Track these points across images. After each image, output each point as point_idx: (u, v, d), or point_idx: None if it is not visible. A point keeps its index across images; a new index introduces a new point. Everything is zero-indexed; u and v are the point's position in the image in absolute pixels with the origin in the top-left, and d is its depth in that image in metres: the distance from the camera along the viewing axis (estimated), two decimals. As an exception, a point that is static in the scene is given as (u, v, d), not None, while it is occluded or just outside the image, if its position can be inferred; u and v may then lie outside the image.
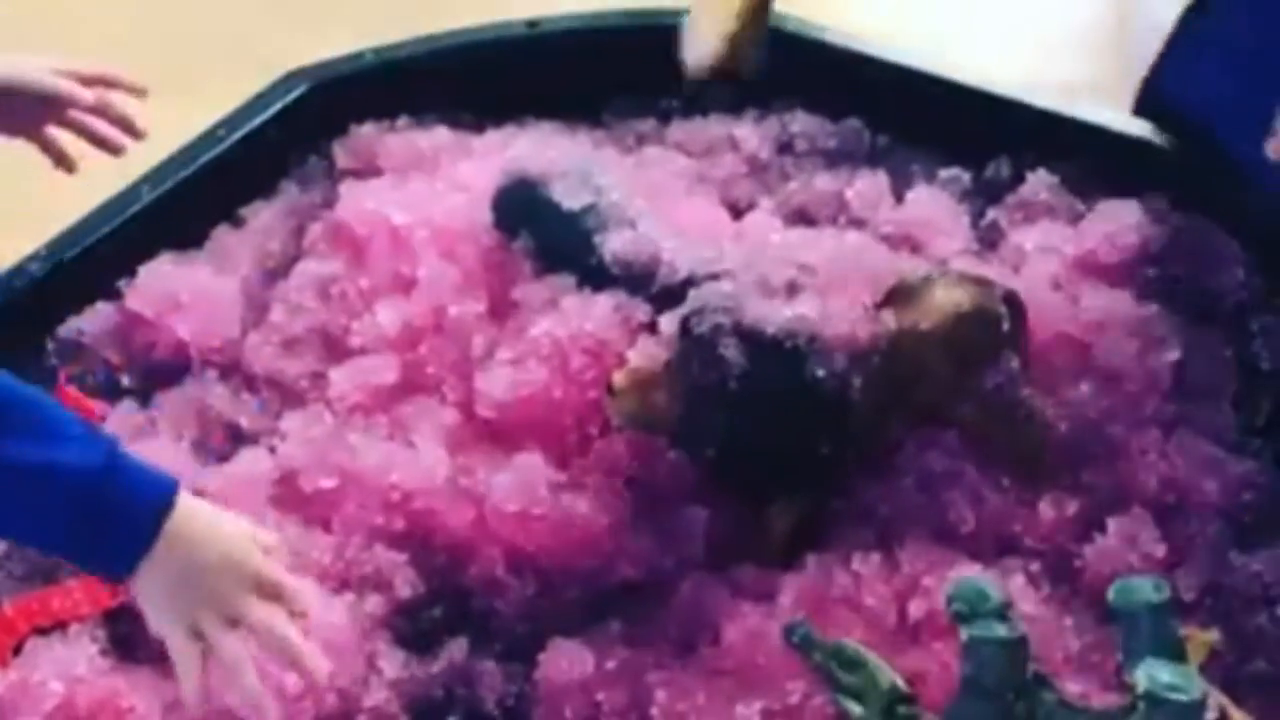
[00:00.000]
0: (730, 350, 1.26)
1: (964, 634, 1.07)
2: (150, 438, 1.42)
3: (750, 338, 1.25)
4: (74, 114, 1.49)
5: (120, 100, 1.51)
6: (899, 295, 1.34)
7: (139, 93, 1.52)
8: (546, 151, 1.57)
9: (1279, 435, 1.46)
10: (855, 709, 1.12)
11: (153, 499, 1.10)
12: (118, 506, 1.08)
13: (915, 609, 1.26)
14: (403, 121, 1.76)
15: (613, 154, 1.70)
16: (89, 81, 1.49)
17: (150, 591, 1.11)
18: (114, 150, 1.51)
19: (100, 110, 1.49)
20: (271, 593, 1.12)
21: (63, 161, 1.52)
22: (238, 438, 1.43)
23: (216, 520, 1.13)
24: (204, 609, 1.10)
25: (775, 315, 1.28)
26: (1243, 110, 1.47)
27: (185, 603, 1.10)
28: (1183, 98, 1.69)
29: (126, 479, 1.09)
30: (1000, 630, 1.06)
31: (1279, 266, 1.58)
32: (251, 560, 1.12)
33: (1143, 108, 1.74)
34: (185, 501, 1.11)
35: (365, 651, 1.25)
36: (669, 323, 1.30)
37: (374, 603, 1.28)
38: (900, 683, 1.14)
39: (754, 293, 1.30)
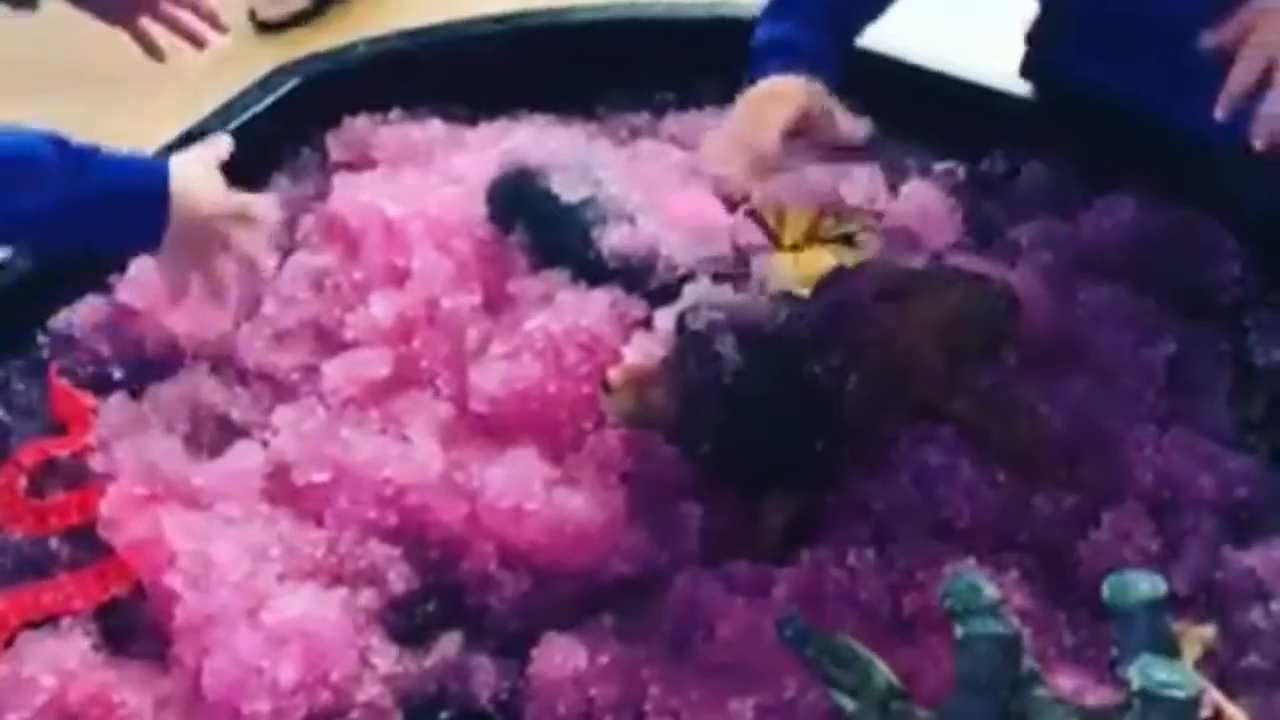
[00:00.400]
0: (726, 347, 1.25)
1: (958, 631, 1.06)
2: (142, 431, 1.41)
3: (746, 334, 1.25)
4: (166, 7, 1.63)
5: None
6: (894, 290, 1.33)
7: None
8: (544, 143, 1.57)
9: (1274, 431, 1.46)
10: (849, 705, 1.12)
11: (157, 186, 1.35)
12: (134, 210, 1.34)
13: (910, 604, 1.26)
14: (395, 114, 1.76)
15: (606, 147, 1.70)
16: None
17: (165, 252, 1.39)
18: (199, 44, 1.67)
19: (189, 5, 1.65)
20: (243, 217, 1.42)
21: (154, 52, 1.66)
22: (230, 431, 1.43)
23: (194, 179, 1.39)
24: (205, 251, 1.41)
25: (770, 312, 1.27)
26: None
27: (193, 250, 1.40)
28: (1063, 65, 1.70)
29: (132, 180, 1.35)
30: (994, 627, 1.05)
31: (1275, 262, 1.58)
32: (229, 202, 1.42)
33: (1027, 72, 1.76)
34: (175, 172, 1.37)
35: (358, 647, 1.24)
36: (664, 319, 1.29)
37: (367, 597, 1.27)
38: (894, 679, 1.13)
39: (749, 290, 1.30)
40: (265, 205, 1.47)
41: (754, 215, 1.43)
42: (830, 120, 1.57)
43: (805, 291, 1.31)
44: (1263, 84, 1.35)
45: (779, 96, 1.56)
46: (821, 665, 1.14)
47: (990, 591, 1.07)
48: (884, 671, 1.13)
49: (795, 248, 1.40)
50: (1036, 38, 1.78)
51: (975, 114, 1.74)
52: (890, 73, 1.77)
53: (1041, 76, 1.77)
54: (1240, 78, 1.35)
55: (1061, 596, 1.29)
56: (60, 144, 1.29)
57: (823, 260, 1.34)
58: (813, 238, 1.40)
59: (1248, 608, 1.29)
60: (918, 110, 1.74)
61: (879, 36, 1.76)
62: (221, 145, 1.47)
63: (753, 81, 1.60)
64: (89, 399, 1.45)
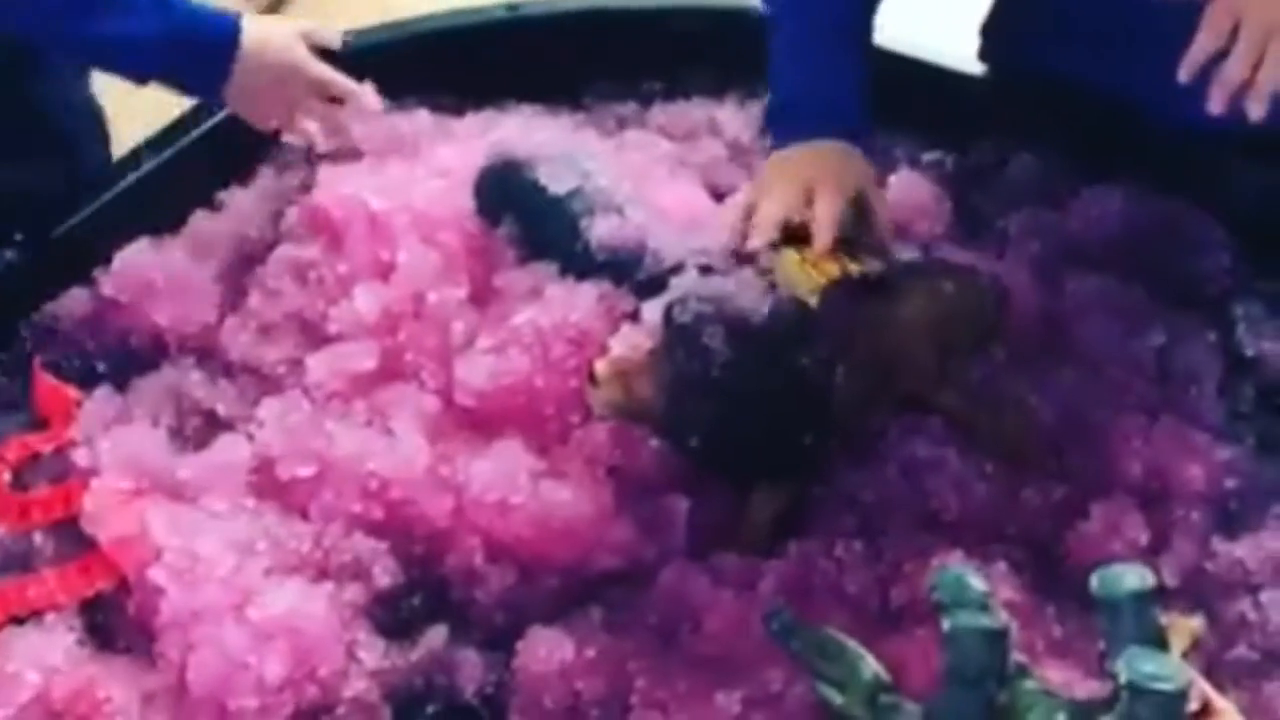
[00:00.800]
0: (714, 340, 1.24)
1: (945, 624, 1.06)
2: (126, 424, 1.40)
3: (734, 326, 1.24)
4: (316, 106, 1.62)
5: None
6: (883, 282, 1.33)
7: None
8: (531, 135, 1.56)
9: (1263, 421, 1.46)
10: (836, 698, 1.12)
11: (227, 38, 1.49)
12: (203, 54, 1.49)
13: (897, 596, 1.26)
14: (382, 105, 1.75)
15: (594, 137, 1.69)
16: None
17: (240, 101, 1.54)
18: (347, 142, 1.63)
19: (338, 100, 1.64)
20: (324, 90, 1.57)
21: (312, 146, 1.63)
22: (214, 424, 1.42)
23: (275, 39, 1.53)
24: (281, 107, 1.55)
25: (759, 304, 1.26)
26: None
27: (266, 105, 1.55)
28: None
29: (207, 26, 1.49)
30: (982, 620, 1.05)
31: (1263, 251, 1.58)
32: (310, 69, 1.57)
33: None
34: (249, 28, 1.50)
35: (345, 642, 1.24)
36: (652, 311, 1.28)
37: (353, 592, 1.27)
38: (881, 672, 1.13)
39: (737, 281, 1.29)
40: (347, 85, 1.59)
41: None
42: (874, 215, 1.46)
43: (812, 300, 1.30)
44: (1227, 48, 1.26)
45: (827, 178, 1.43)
46: (808, 658, 1.14)
47: (978, 585, 1.07)
48: (872, 664, 1.13)
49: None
50: (995, 27, 1.76)
51: (962, 104, 1.73)
52: (877, 63, 1.76)
53: (1000, 66, 1.75)
54: (1204, 41, 1.26)
55: (1050, 589, 1.29)
56: None
57: (830, 271, 1.32)
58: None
59: (1236, 599, 1.29)
60: (905, 100, 1.73)
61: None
62: (325, 32, 1.61)
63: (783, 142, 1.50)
64: (73, 392, 1.44)
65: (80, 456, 1.37)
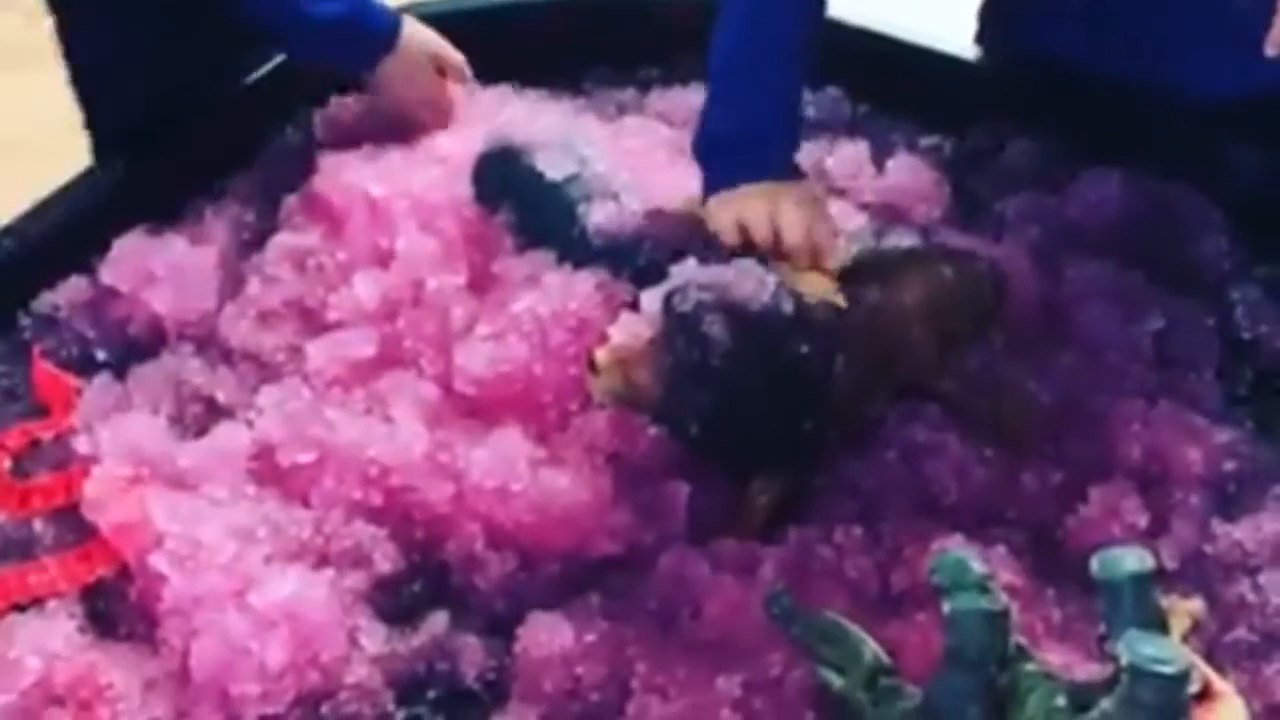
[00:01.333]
0: (713, 328, 1.24)
1: (946, 607, 1.06)
2: (126, 411, 1.40)
3: (733, 315, 1.24)
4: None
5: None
6: (881, 269, 1.33)
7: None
8: (530, 121, 1.56)
9: (1261, 404, 1.46)
10: (836, 681, 1.12)
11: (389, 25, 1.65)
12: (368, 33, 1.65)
13: (898, 580, 1.26)
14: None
15: (593, 123, 1.69)
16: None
17: (389, 80, 1.67)
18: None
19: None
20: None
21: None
22: (214, 411, 1.42)
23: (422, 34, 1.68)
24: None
25: (758, 292, 1.26)
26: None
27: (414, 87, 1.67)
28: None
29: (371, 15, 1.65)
30: (982, 603, 1.05)
31: (1261, 236, 1.58)
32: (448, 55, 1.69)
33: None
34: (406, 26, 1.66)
35: (347, 628, 1.24)
36: (651, 300, 1.28)
37: (354, 578, 1.27)
38: (882, 654, 1.13)
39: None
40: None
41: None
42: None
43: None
44: None
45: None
46: (809, 642, 1.14)
47: (978, 567, 1.07)
48: (872, 647, 1.13)
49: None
50: (992, 11, 1.76)
51: (960, 88, 1.73)
52: (875, 48, 1.76)
53: (997, 50, 1.75)
54: None
55: (1050, 572, 1.29)
56: None
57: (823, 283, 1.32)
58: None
59: (1235, 581, 1.29)
60: (903, 85, 1.74)
61: (864, 12, 1.76)
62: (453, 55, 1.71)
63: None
64: (72, 380, 1.44)
65: (80, 444, 1.37)
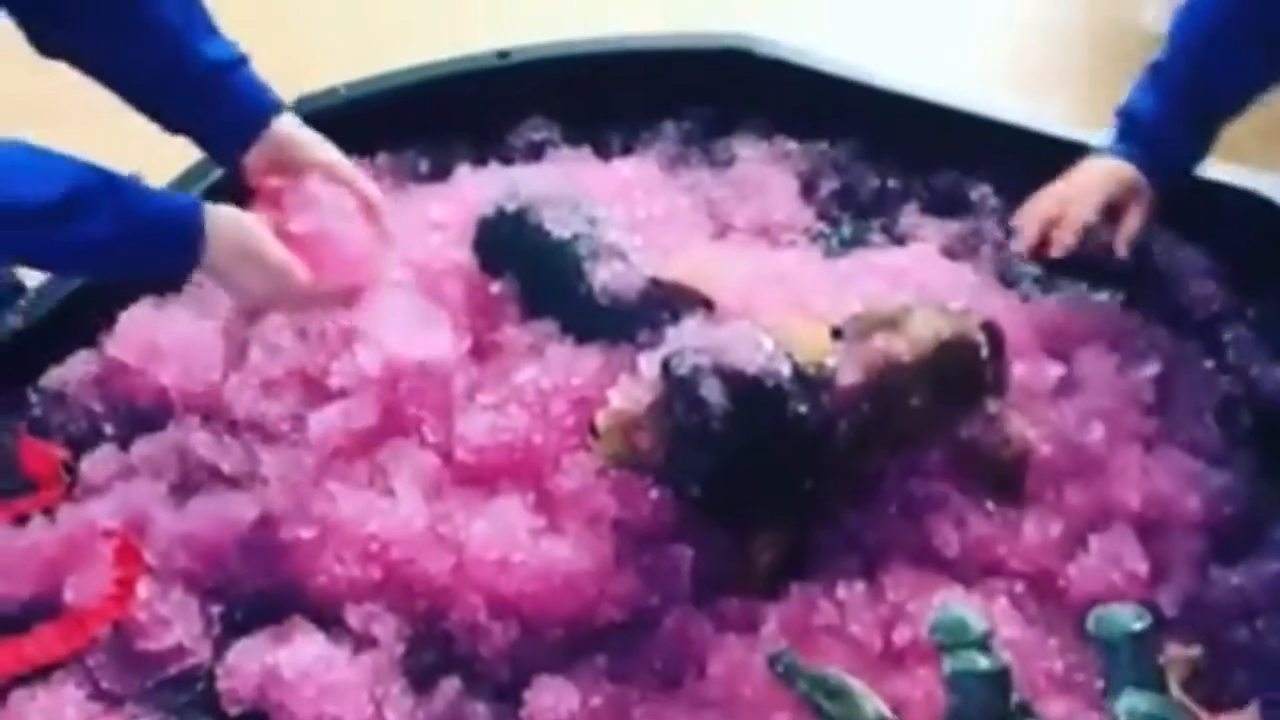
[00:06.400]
0: (711, 391, 1.25)
1: (946, 666, 1.07)
2: (127, 479, 1.42)
3: (730, 378, 1.25)
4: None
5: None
6: (878, 326, 1.34)
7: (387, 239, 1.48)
8: (534, 179, 1.56)
9: (1259, 446, 1.47)
10: None
11: (192, 222, 1.33)
12: (163, 244, 1.33)
13: (899, 636, 1.27)
14: (382, 158, 1.76)
15: (598, 180, 1.70)
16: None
17: (214, 276, 1.36)
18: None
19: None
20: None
21: None
22: (219, 481, 1.43)
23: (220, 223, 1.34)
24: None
25: (754, 355, 1.27)
26: None
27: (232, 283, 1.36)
28: None
29: (159, 219, 1.32)
30: (982, 662, 1.06)
31: (1246, 277, 1.59)
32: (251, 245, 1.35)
33: None
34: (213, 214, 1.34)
35: (364, 702, 1.25)
36: (649, 363, 1.30)
37: (365, 653, 1.28)
38: (885, 710, 1.14)
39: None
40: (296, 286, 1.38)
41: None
42: (1130, 223, 1.53)
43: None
44: None
45: (1102, 182, 1.52)
46: (813, 698, 1.15)
47: (978, 624, 1.08)
48: (875, 703, 1.14)
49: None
50: None
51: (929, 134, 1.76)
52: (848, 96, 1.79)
53: None
54: None
55: (1052, 621, 1.30)
56: (106, 176, 1.30)
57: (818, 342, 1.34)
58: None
59: (1234, 626, 1.29)
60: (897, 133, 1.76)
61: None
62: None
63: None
64: (59, 452, 1.45)
65: (82, 512, 1.39)
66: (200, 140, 1.47)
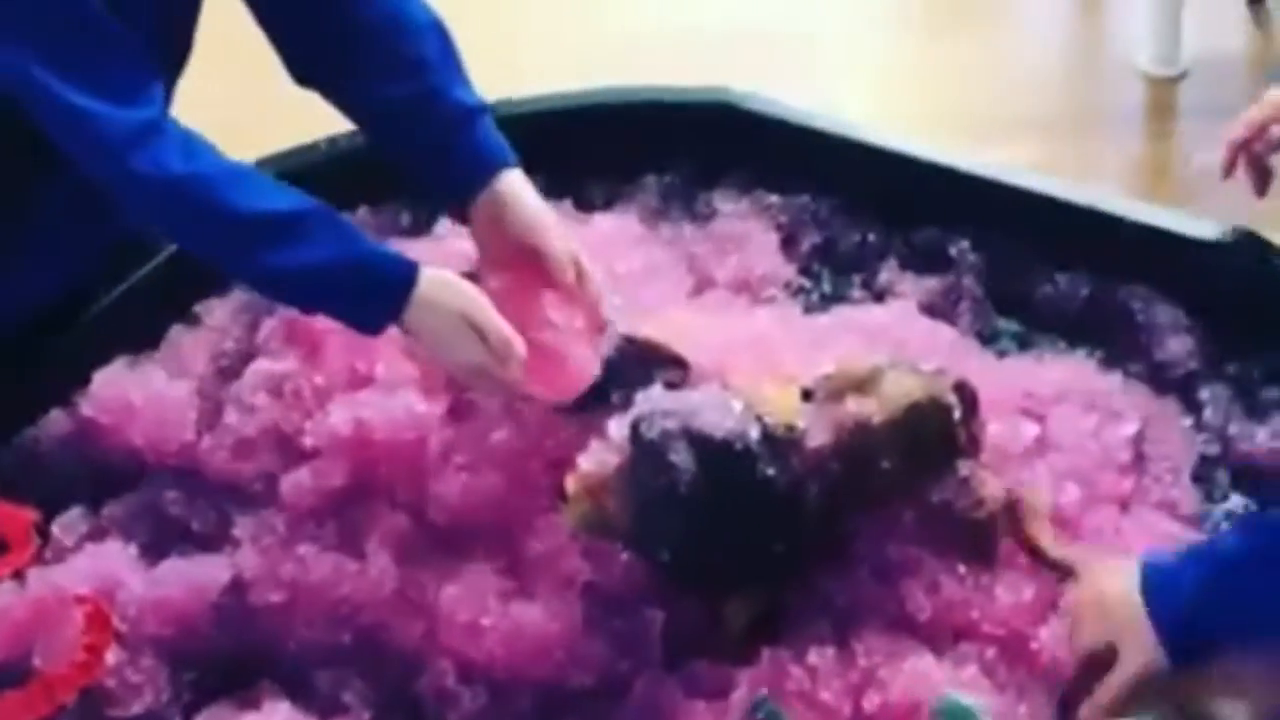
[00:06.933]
0: (679, 455, 1.25)
1: None
2: (98, 541, 1.42)
3: (699, 441, 1.25)
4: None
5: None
6: (849, 387, 1.33)
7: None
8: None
9: (1237, 505, 1.46)
10: None
11: (403, 278, 1.35)
12: (369, 287, 1.35)
13: (869, 703, 1.26)
14: (363, 211, 1.77)
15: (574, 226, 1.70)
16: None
17: (427, 338, 1.37)
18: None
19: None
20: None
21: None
22: (191, 541, 1.43)
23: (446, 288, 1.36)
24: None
25: (723, 419, 1.27)
26: None
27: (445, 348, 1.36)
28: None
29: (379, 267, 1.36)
30: None
31: (1224, 333, 1.59)
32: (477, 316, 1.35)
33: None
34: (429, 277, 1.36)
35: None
36: (618, 427, 1.29)
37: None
38: None
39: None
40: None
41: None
42: None
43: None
44: None
45: None
46: None
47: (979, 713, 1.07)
48: None
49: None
50: None
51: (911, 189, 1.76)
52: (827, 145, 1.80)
53: None
54: None
55: (1022, 688, 1.29)
56: (332, 209, 1.36)
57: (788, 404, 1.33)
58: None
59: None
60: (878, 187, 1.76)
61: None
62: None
63: None
64: (30, 513, 1.44)
65: (50, 575, 1.38)
66: (430, 181, 1.51)
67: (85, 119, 1.31)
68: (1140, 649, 1.18)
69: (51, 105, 1.32)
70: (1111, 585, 1.22)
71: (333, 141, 1.79)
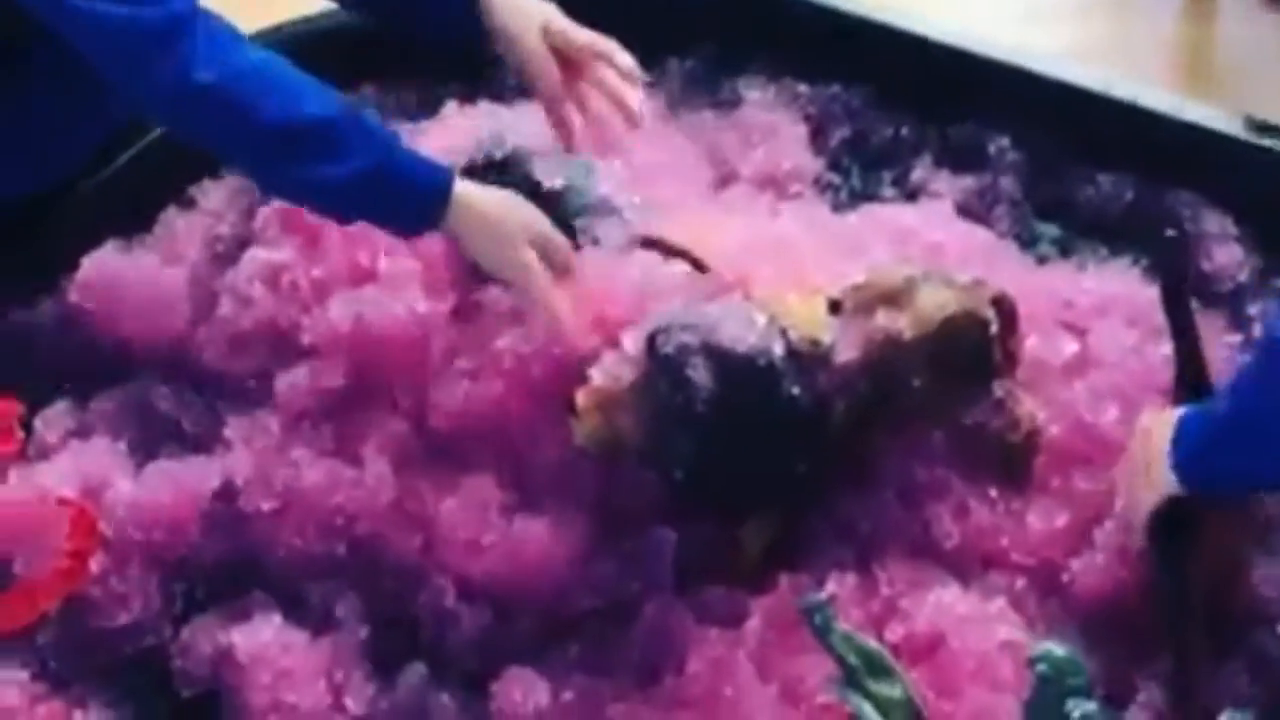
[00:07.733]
0: (698, 371, 1.18)
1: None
2: (84, 438, 1.36)
3: (720, 357, 1.17)
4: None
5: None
6: (879, 300, 1.26)
7: (630, 79, 1.44)
8: (524, 121, 1.48)
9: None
10: (873, 716, 1.07)
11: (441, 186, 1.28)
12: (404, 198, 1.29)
13: (891, 634, 1.20)
14: (368, 88, 1.68)
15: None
16: (581, 50, 1.43)
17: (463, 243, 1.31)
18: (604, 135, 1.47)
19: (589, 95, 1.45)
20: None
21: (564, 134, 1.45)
22: (180, 440, 1.37)
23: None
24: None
25: (745, 333, 1.19)
26: None
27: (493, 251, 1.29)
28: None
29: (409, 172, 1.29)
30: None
31: (1273, 243, 1.51)
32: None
33: None
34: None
35: (321, 688, 1.20)
36: (634, 340, 1.22)
37: (326, 635, 1.23)
38: (918, 699, 1.10)
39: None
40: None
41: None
42: None
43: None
44: None
45: None
46: (845, 659, 1.08)
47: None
48: (913, 690, 1.09)
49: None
50: None
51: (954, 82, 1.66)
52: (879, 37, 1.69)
53: None
54: None
55: (1054, 619, 1.23)
56: (355, 115, 1.29)
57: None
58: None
59: (1259, 629, 1.23)
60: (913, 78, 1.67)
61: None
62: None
63: None
64: (16, 406, 1.37)
65: (34, 473, 1.32)
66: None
67: (103, 22, 1.23)
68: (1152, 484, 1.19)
69: (70, 9, 1.24)
70: (1155, 420, 1.22)
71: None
